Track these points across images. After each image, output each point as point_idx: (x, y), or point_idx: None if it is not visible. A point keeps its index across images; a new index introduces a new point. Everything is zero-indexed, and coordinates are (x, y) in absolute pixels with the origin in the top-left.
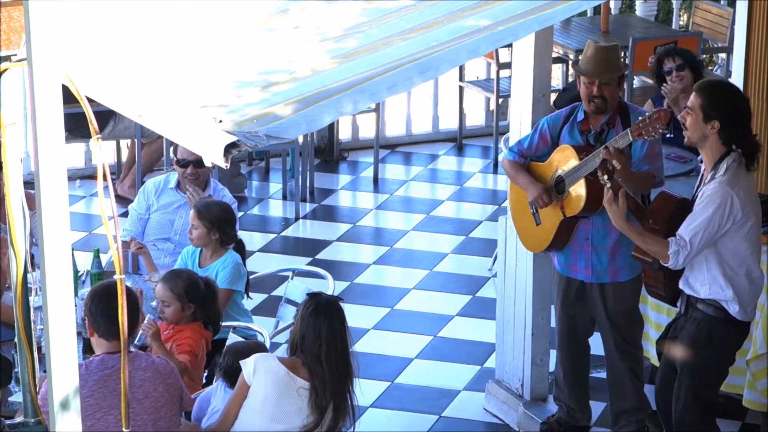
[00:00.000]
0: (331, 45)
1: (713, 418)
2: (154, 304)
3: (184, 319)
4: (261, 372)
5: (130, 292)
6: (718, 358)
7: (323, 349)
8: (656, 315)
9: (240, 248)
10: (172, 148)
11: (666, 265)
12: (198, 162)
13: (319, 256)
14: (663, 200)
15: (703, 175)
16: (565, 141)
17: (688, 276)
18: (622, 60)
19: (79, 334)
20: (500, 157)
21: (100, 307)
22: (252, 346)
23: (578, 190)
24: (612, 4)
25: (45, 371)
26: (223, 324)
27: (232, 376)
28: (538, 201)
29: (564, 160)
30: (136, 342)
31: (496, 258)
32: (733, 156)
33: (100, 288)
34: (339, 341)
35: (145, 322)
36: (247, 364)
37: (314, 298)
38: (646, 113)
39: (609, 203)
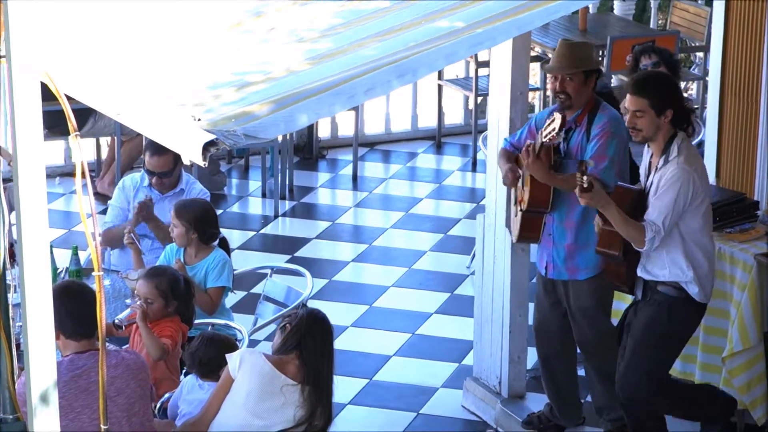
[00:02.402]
0: (307, 46)
1: (663, 399)
2: (128, 301)
3: (166, 316)
4: (246, 366)
5: (89, 290)
6: (675, 337)
7: (327, 351)
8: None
9: (224, 246)
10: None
11: (639, 249)
12: (162, 173)
13: (298, 254)
14: (621, 194)
15: (650, 163)
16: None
17: (645, 263)
18: (592, 58)
19: None
20: (478, 155)
21: (65, 307)
22: (224, 338)
23: (527, 185)
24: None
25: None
26: (203, 321)
27: (201, 362)
28: (504, 178)
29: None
30: (122, 317)
31: (474, 256)
32: (681, 135)
33: (60, 288)
34: (333, 351)
35: (136, 303)
36: (233, 358)
37: (310, 308)
38: (612, 113)
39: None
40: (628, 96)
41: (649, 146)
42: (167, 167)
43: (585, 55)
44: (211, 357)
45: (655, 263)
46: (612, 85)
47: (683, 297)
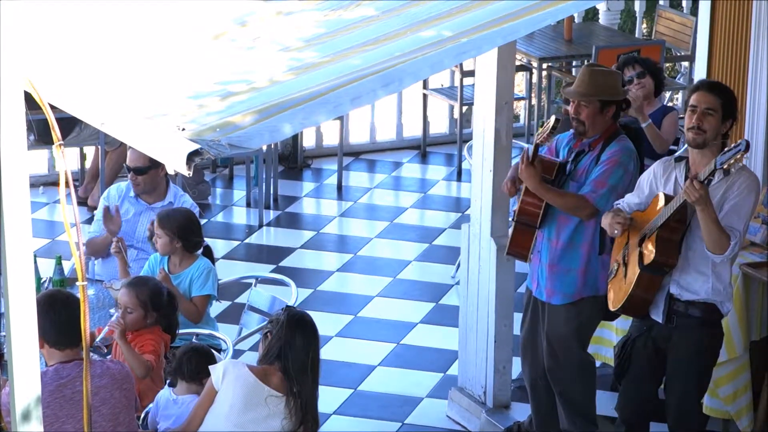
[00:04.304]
0: (291, 55)
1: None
2: (112, 311)
3: (145, 327)
4: (230, 378)
5: (74, 299)
6: (714, 359)
7: (310, 358)
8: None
9: (208, 254)
10: None
11: (718, 255)
12: (137, 170)
13: (282, 264)
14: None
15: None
16: (561, 154)
17: (678, 278)
18: (615, 88)
19: None
20: (463, 164)
21: (49, 317)
22: (206, 347)
23: (522, 194)
24: (575, 13)
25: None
26: (187, 331)
27: (190, 375)
28: (503, 186)
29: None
30: (98, 341)
31: (459, 266)
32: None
33: (44, 298)
34: (318, 352)
35: (113, 319)
36: (217, 370)
37: (292, 310)
38: (627, 144)
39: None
40: (698, 94)
41: (687, 159)
42: (140, 163)
43: (607, 83)
44: (198, 368)
45: (696, 277)
46: None
47: (714, 319)
